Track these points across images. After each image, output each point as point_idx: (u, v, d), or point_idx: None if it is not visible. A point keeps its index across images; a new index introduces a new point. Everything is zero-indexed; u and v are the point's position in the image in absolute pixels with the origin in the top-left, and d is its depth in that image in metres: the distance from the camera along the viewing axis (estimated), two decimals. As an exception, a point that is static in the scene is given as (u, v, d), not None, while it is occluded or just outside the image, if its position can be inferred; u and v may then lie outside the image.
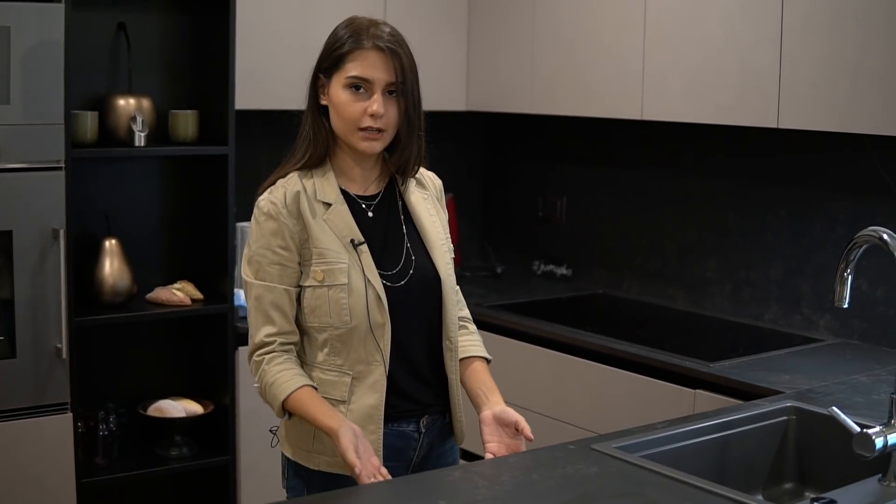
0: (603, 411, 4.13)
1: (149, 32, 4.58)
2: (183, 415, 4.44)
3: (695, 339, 4.32)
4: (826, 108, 3.75)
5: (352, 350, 2.70)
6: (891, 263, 2.47)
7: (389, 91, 2.68)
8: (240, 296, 4.48)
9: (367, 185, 2.81)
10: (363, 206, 2.78)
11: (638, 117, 4.41)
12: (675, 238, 4.85)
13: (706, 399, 3.71)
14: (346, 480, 2.64)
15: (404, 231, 2.81)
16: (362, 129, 2.67)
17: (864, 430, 2.38)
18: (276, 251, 2.70)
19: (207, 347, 4.62)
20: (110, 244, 4.36)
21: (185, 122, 4.44)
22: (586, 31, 4.62)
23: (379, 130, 2.68)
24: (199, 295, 4.51)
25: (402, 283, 2.74)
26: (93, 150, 4.24)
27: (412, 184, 2.86)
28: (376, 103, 2.65)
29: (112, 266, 4.34)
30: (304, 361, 2.78)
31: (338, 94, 2.70)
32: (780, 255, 4.42)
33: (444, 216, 2.92)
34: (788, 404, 3.13)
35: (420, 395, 2.78)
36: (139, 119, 4.27)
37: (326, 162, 2.78)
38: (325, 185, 2.75)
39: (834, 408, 2.52)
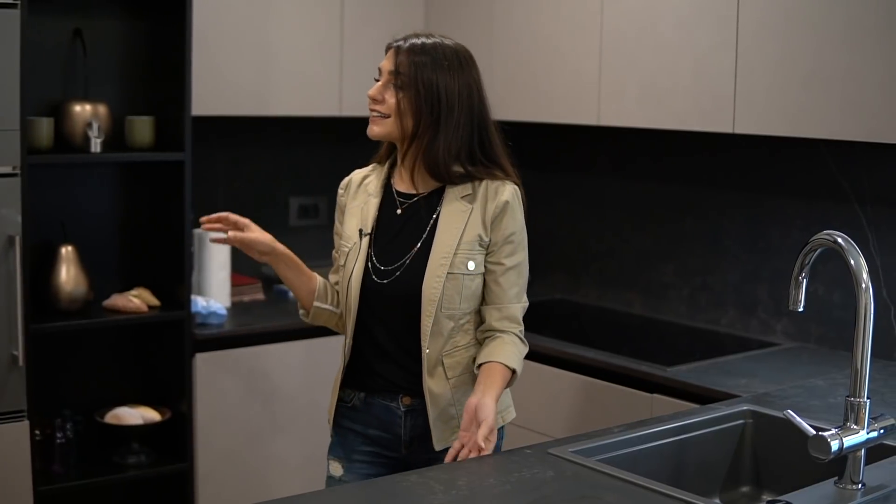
0: (560, 416, 4.14)
1: (105, 38, 4.55)
2: (140, 422, 4.42)
3: (652, 344, 4.33)
4: (781, 113, 3.77)
5: (347, 319, 3.02)
6: (847, 267, 2.48)
7: (394, 83, 2.92)
8: (196, 302, 4.47)
9: (414, 184, 3.01)
10: (398, 202, 3.02)
11: (595, 123, 4.42)
12: (632, 243, 4.87)
13: (663, 403, 3.72)
14: (337, 439, 3.09)
15: (423, 236, 2.96)
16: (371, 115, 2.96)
17: (820, 433, 2.39)
18: (336, 220, 3.14)
19: (164, 354, 4.60)
20: (67, 251, 4.32)
21: (142, 128, 4.41)
22: (543, 38, 4.62)
23: (376, 114, 2.94)
24: (155, 302, 4.48)
25: (388, 280, 2.95)
26: (49, 156, 4.21)
27: (457, 193, 2.96)
28: (373, 87, 2.94)
29: (69, 273, 4.30)
30: None
31: None
32: (737, 259, 4.44)
33: (494, 233, 2.96)
34: (745, 408, 3.14)
35: (391, 376, 2.99)
36: (95, 125, 4.25)
37: (387, 159, 3.09)
38: (376, 179, 3.07)
39: (789, 411, 2.53)
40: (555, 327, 4.53)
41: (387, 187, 3.05)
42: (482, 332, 3.01)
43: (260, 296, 4.98)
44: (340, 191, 3.14)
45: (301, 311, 3.14)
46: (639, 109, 4.25)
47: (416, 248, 2.95)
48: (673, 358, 3.95)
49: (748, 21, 3.84)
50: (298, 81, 4.86)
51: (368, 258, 2.98)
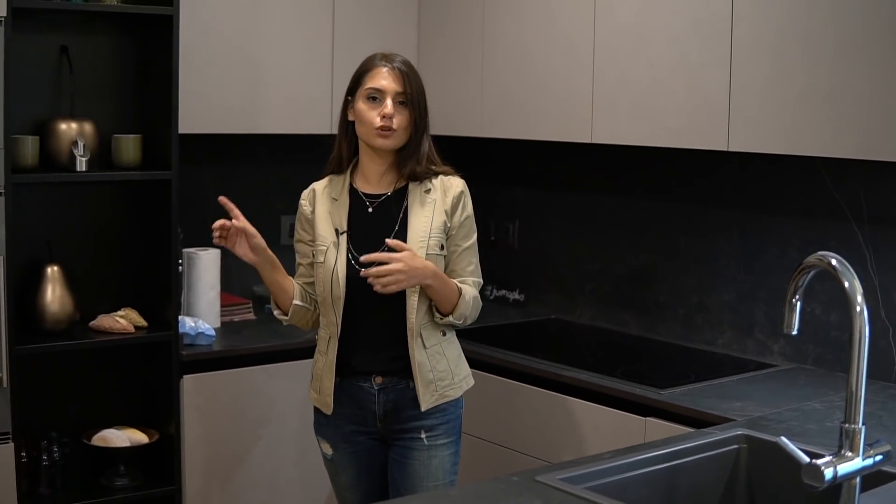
0: (553, 440, 4.08)
1: (92, 56, 4.50)
2: (127, 444, 4.37)
3: (647, 366, 4.28)
4: (776, 130, 3.72)
5: (326, 314, 3.52)
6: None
7: (400, 101, 3.45)
8: (185, 323, 4.41)
9: (379, 186, 3.54)
10: (367, 202, 3.53)
11: (588, 140, 4.37)
12: (627, 262, 4.82)
13: (657, 427, 3.67)
14: (320, 415, 3.61)
15: (395, 227, 3.47)
16: (376, 129, 3.43)
17: (813, 462, 2.33)
18: (298, 230, 3.65)
19: (152, 375, 4.55)
20: (52, 271, 4.28)
21: (128, 146, 4.37)
22: (535, 55, 4.58)
23: (390, 129, 3.43)
24: (143, 322, 4.43)
25: (369, 267, 3.33)
26: (33, 175, 4.16)
27: (420, 189, 3.51)
28: (388, 107, 3.43)
29: (54, 293, 4.25)
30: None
31: (359, 105, 3.48)
32: (733, 279, 4.39)
33: (452, 218, 3.51)
34: (739, 432, 3.09)
35: (370, 359, 3.50)
36: (81, 144, 4.20)
37: (346, 168, 3.58)
38: (339, 186, 3.56)
39: (783, 438, 2.48)
40: (548, 348, 4.49)
41: (352, 191, 3.55)
42: None
43: (250, 316, 4.93)
44: (304, 202, 3.62)
45: (277, 312, 3.64)
46: (632, 127, 4.20)
47: (392, 237, 3.41)
48: (668, 380, 3.90)
49: (742, 38, 3.80)
50: (288, 99, 4.82)
51: (349, 251, 3.47)
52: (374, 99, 3.45)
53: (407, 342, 3.46)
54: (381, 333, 3.47)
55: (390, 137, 3.45)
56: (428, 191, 3.51)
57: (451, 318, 3.48)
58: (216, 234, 3.50)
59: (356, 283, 3.42)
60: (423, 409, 3.48)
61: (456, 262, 3.53)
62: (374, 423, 3.53)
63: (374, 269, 3.29)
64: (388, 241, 3.36)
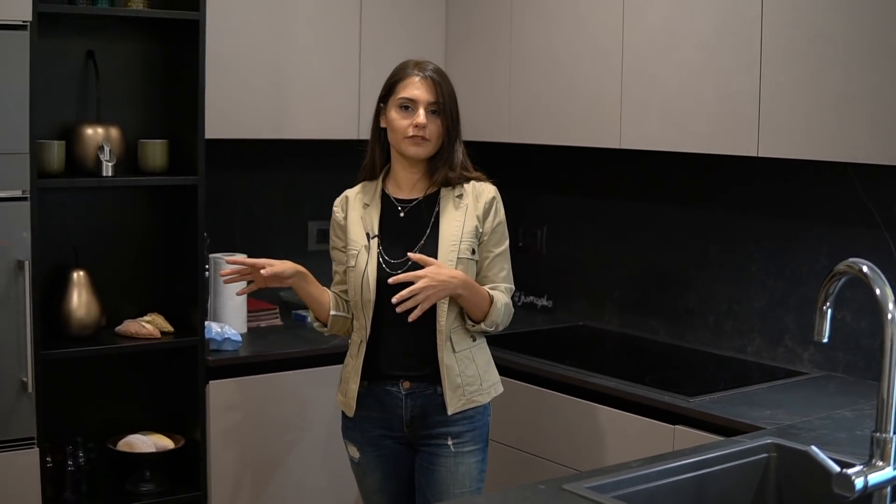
0: (581, 448, 4.06)
1: (118, 61, 4.51)
2: (153, 450, 4.36)
3: (676, 373, 4.24)
4: (807, 135, 3.68)
5: (357, 318, 3.55)
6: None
7: (432, 110, 3.47)
8: (211, 328, 4.40)
9: (411, 191, 3.56)
10: (398, 207, 3.55)
11: (616, 146, 4.34)
12: (656, 269, 4.78)
13: (686, 435, 3.64)
14: (347, 418, 3.62)
15: (426, 232, 3.50)
16: (408, 138, 3.46)
17: (844, 471, 2.30)
18: (332, 237, 3.66)
19: (178, 381, 4.54)
20: (78, 276, 4.28)
21: (155, 151, 4.37)
22: (564, 59, 4.55)
23: (423, 139, 3.46)
24: (169, 328, 4.42)
25: (401, 271, 3.40)
26: (59, 180, 4.17)
27: (452, 194, 3.54)
28: (420, 117, 3.45)
29: (80, 298, 4.25)
30: None
31: (391, 113, 3.51)
32: (763, 286, 4.35)
33: (484, 224, 3.52)
34: (769, 441, 3.05)
35: (398, 363, 3.50)
36: (107, 148, 4.19)
37: (378, 174, 3.61)
38: (371, 191, 3.59)
39: (813, 447, 2.45)
40: (576, 355, 4.46)
41: (384, 196, 3.58)
42: None
43: (277, 321, 4.92)
44: (336, 209, 3.64)
45: (316, 324, 3.67)
46: (661, 132, 4.17)
47: (422, 242, 3.48)
48: (697, 388, 3.87)
49: (772, 42, 3.76)
50: (315, 104, 4.81)
51: (379, 255, 3.50)
52: (406, 108, 3.48)
53: (436, 346, 3.47)
54: (411, 337, 3.46)
55: (422, 146, 3.48)
56: (460, 196, 3.53)
57: (482, 326, 3.49)
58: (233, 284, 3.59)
59: (386, 287, 3.42)
60: (449, 412, 3.48)
61: (488, 269, 3.55)
62: (400, 428, 3.54)
63: (401, 293, 3.29)
64: (410, 255, 3.38)
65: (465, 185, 3.54)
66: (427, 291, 3.29)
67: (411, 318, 3.31)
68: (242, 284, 3.59)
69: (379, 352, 3.52)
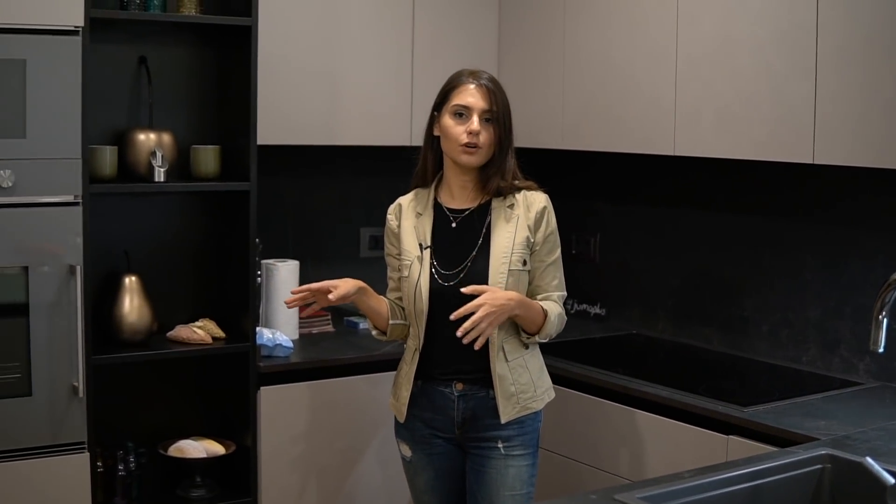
0: (633, 457, 4.03)
1: (170, 66, 4.52)
2: (204, 455, 4.36)
3: (730, 382, 4.20)
4: (863, 142, 3.64)
5: (412, 325, 3.61)
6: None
7: (486, 118, 3.50)
8: (262, 334, 4.40)
9: (464, 201, 3.60)
10: (451, 217, 3.60)
11: (670, 153, 4.31)
12: (710, 277, 4.74)
13: (739, 445, 3.60)
14: (398, 422, 3.70)
15: (478, 242, 3.54)
16: (461, 146, 3.49)
17: (899, 483, 2.27)
18: (386, 244, 3.72)
19: (229, 387, 4.54)
20: (130, 281, 4.29)
21: (207, 157, 4.38)
22: (617, 66, 4.53)
23: (476, 146, 3.48)
24: (220, 333, 4.43)
25: (453, 282, 3.49)
26: (111, 185, 4.19)
27: (503, 204, 3.57)
28: (474, 123, 3.48)
29: (132, 303, 4.27)
30: None
31: (446, 120, 3.54)
32: (818, 295, 4.30)
33: (536, 234, 3.55)
34: (823, 452, 3.01)
35: (451, 367, 3.54)
36: (159, 154, 4.21)
37: (431, 182, 3.65)
38: (423, 200, 3.64)
39: (868, 458, 2.42)
40: (629, 363, 4.43)
41: (436, 206, 3.62)
42: None
43: (329, 328, 4.91)
44: (390, 216, 3.70)
45: (375, 332, 3.72)
46: (715, 139, 4.13)
47: (473, 253, 3.53)
48: (751, 397, 3.83)
49: (827, 47, 3.72)
50: (368, 110, 4.81)
51: (432, 265, 3.53)
52: (460, 115, 3.51)
53: (488, 356, 3.49)
54: (463, 347, 3.43)
55: (475, 154, 3.51)
56: (511, 206, 3.56)
57: (536, 339, 3.54)
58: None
59: (439, 297, 3.51)
60: (502, 421, 3.51)
61: (541, 278, 3.58)
62: (451, 430, 3.59)
63: (465, 326, 3.32)
64: (463, 290, 3.38)
65: (517, 195, 3.57)
66: (488, 319, 3.32)
67: (477, 346, 3.34)
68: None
69: (433, 358, 3.57)
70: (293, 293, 3.61)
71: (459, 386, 3.55)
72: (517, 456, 3.54)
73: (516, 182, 3.58)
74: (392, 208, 3.71)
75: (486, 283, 3.46)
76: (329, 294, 3.50)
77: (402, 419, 3.63)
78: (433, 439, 3.63)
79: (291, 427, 4.42)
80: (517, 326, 3.54)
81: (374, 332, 3.72)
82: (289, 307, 3.61)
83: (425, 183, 3.67)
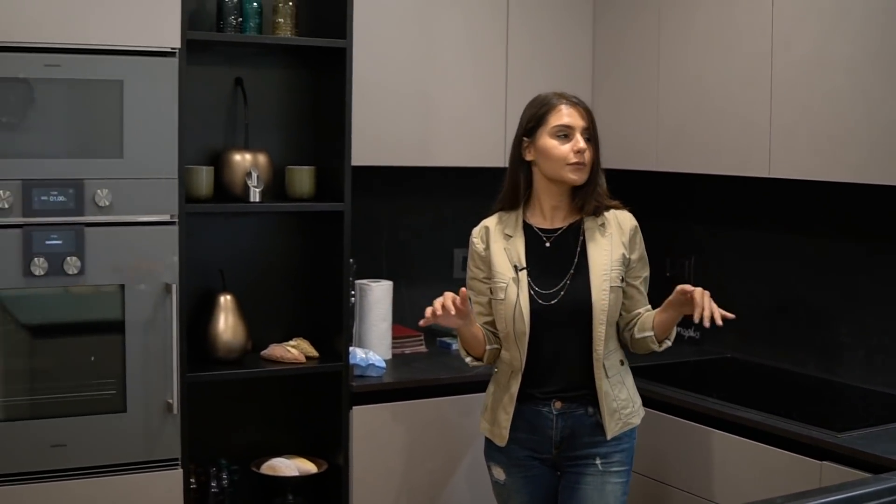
0: (725, 481, 3.99)
1: (266, 88, 4.58)
2: (296, 473, 4.39)
3: (825, 408, 4.14)
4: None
5: (508, 348, 3.61)
6: None
7: (587, 137, 3.55)
8: (355, 354, 4.42)
9: (554, 221, 3.63)
10: (543, 238, 3.62)
11: (765, 175, 4.26)
12: (805, 301, 4.68)
13: (833, 471, 3.55)
14: (491, 445, 3.71)
15: (575, 261, 3.57)
16: (570, 164, 3.52)
17: None
18: (471, 269, 3.73)
19: (322, 405, 4.56)
20: (225, 300, 4.34)
21: (301, 178, 4.42)
22: (712, 86, 4.49)
23: (583, 164, 3.53)
24: (314, 353, 4.46)
25: (553, 302, 3.54)
26: (207, 205, 4.24)
27: (595, 223, 3.61)
28: (580, 141, 3.53)
29: (227, 322, 4.32)
30: None
31: (546, 142, 3.56)
32: (916, 319, 4.24)
33: (631, 252, 3.62)
34: (918, 479, 2.96)
35: (551, 386, 3.56)
36: (254, 174, 4.25)
37: (520, 205, 3.65)
38: (511, 222, 3.65)
39: (961, 486, 2.37)
40: (723, 387, 4.39)
41: (526, 227, 3.63)
42: (628, 325, 3.67)
43: (422, 348, 4.92)
44: (475, 239, 3.71)
45: (469, 359, 3.71)
46: (811, 161, 4.08)
47: (571, 271, 3.55)
48: (845, 423, 3.77)
49: (927, 68, 3.67)
50: (461, 132, 4.82)
51: (530, 287, 3.55)
52: (563, 136, 3.55)
53: (590, 372, 3.55)
54: (564, 364, 3.55)
55: (583, 171, 3.56)
56: (603, 224, 3.62)
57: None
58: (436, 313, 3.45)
59: (539, 317, 3.54)
60: (608, 437, 3.56)
61: (639, 291, 3.67)
62: (549, 450, 3.61)
63: (704, 304, 3.44)
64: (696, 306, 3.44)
65: (606, 214, 3.63)
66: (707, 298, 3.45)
67: (718, 321, 3.43)
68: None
69: (532, 378, 3.58)
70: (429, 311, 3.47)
71: (558, 404, 3.57)
72: (614, 472, 3.57)
73: (606, 201, 3.64)
74: (477, 231, 3.72)
75: (589, 301, 3.53)
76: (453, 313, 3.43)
77: (502, 443, 3.63)
78: (530, 461, 3.64)
79: (383, 447, 4.44)
80: (619, 342, 3.65)
81: (467, 360, 3.72)
82: (422, 325, 3.50)
83: (513, 206, 3.68)
